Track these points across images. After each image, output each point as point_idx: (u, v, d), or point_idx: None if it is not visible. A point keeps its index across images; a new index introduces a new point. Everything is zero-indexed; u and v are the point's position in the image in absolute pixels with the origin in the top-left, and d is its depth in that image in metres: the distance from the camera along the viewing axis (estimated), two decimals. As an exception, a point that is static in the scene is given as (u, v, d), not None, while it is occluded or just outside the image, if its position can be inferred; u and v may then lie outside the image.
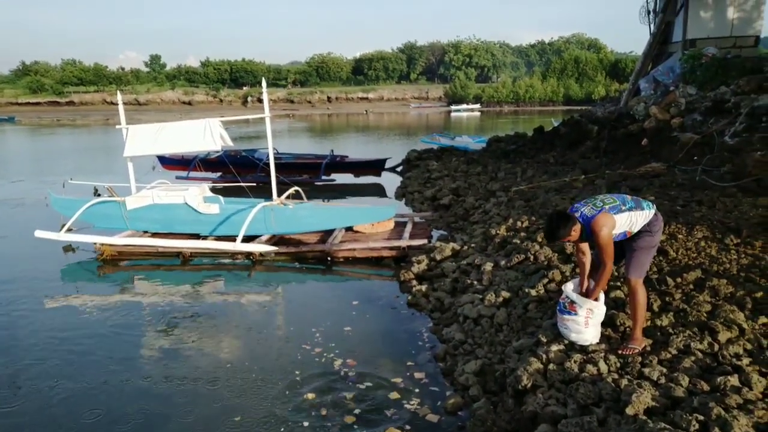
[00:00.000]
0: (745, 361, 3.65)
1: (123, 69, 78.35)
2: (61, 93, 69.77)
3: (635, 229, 3.94)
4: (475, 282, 6.20)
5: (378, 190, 14.92)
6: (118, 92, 9.77)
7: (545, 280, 5.40)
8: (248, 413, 4.33)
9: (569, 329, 4.15)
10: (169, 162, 15.83)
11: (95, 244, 8.86)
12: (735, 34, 14.13)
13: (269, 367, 5.08)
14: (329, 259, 8.44)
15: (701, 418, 3.09)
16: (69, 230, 8.92)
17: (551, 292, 5.25)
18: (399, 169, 17.46)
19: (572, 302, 4.08)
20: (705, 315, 4.20)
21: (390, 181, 15.52)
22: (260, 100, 62.67)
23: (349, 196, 14.20)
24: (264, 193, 9.44)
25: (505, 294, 5.50)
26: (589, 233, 3.87)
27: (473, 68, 79.34)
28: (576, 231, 3.85)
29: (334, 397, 4.53)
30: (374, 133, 35.46)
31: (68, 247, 9.27)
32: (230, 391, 4.67)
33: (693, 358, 3.74)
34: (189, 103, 69.03)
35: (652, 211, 3.98)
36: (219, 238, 8.72)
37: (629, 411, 3.28)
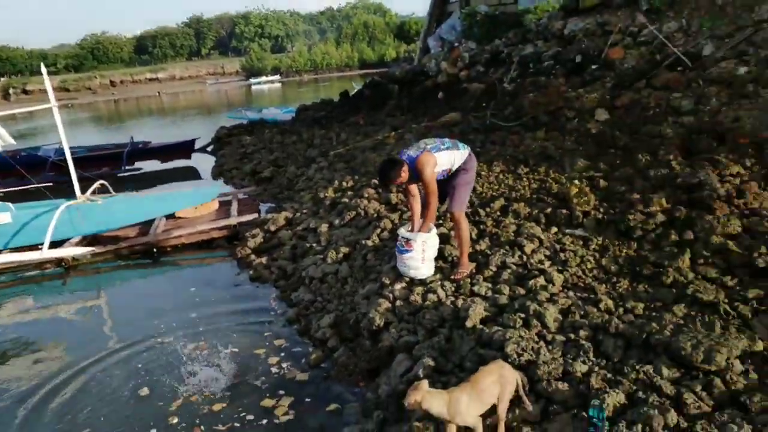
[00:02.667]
0: (547, 264, 4.46)
1: None
2: None
3: (454, 167, 4.46)
4: (314, 244, 6.42)
5: (191, 173, 14.16)
6: None
7: (378, 230, 5.83)
8: (97, 425, 4.04)
9: (408, 266, 4.60)
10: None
11: None
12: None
13: (112, 373, 4.71)
14: (155, 250, 7.95)
15: (522, 315, 3.74)
16: None
17: (385, 239, 5.69)
18: (210, 148, 16.72)
19: (408, 240, 4.52)
20: (512, 234, 4.98)
21: (202, 162, 14.80)
22: (26, 92, 54.33)
23: (161, 183, 13.28)
24: (59, 194, 8.47)
25: (344, 249, 5.82)
26: (415, 172, 4.29)
27: (267, 39, 77.91)
28: (405, 172, 4.27)
29: (191, 386, 4.36)
30: (172, 115, 33.18)
31: None
32: (75, 409, 4.28)
33: (509, 270, 4.44)
34: (-71, 103, 56.96)
35: (467, 151, 4.54)
36: (16, 250, 7.64)
37: (468, 324, 3.82)
